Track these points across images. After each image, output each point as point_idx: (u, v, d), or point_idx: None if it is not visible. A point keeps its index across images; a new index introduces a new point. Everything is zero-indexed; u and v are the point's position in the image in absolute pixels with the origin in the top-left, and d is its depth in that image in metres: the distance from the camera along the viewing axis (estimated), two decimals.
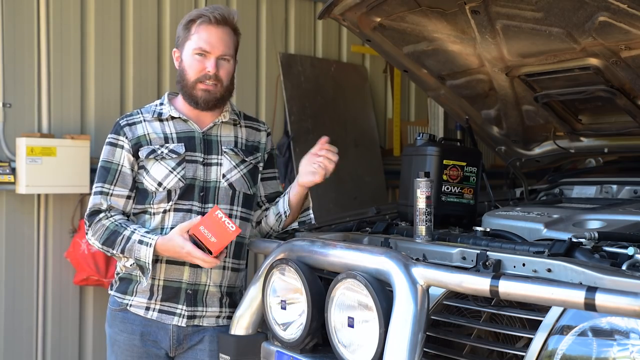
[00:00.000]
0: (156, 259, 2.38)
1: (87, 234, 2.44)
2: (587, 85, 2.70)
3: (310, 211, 2.59)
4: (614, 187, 3.05)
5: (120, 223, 2.38)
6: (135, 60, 4.19)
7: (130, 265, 2.38)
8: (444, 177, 2.60)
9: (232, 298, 2.50)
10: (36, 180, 3.75)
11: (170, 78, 4.27)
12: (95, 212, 2.41)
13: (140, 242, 2.32)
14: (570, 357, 1.63)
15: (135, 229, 2.36)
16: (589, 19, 2.28)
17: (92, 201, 2.42)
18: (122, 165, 2.42)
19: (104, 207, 2.40)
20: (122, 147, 2.42)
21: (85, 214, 2.44)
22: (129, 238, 2.34)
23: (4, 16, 3.79)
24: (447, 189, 2.61)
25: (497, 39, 2.62)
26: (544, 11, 2.34)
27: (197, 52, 2.39)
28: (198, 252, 2.24)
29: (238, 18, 2.48)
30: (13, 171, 3.75)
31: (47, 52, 3.90)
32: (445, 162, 2.61)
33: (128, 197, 2.43)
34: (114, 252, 2.36)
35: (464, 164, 2.64)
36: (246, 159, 2.51)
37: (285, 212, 2.53)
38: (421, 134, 2.71)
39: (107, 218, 2.39)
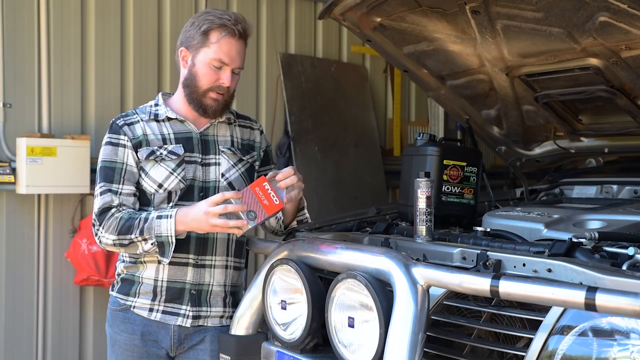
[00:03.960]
0: (159, 261, 2.37)
1: (96, 235, 2.37)
2: (587, 85, 2.70)
3: (305, 210, 2.58)
4: (614, 187, 3.05)
5: (133, 212, 2.34)
6: (136, 60, 4.19)
7: (148, 249, 2.31)
8: (444, 177, 2.60)
9: (235, 297, 2.51)
10: (36, 181, 3.75)
11: (170, 78, 4.27)
12: (106, 209, 2.35)
13: (159, 217, 2.29)
14: (570, 357, 1.63)
15: (150, 211, 2.33)
16: (589, 19, 2.27)
17: (101, 200, 2.36)
18: (126, 164, 2.38)
19: (116, 203, 2.35)
20: (124, 146, 2.39)
21: (94, 214, 2.37)
22: (146, 219, 2.30)
23: (4, 16, 3.79)
24: (448, 189, 2.61)
25: (497, 39, 2.62)
26: (544, 11, 2.34)
27: (216, 64, 2.37)
28: (219, 208, 2.21)
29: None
30: (13, 171, 3.75)
31: (47, 52, 3.90)
32: (445, 162, 2.61)
33: (135, 195, 2.40)
34: (132, 236, 2.29)
35: (464, 164, 2.63)
36: (243, 158, 2.51)
37: (281, 217, 2.54)
38: (421, 134, 2.71)
39: (119, 212, 2.34)
